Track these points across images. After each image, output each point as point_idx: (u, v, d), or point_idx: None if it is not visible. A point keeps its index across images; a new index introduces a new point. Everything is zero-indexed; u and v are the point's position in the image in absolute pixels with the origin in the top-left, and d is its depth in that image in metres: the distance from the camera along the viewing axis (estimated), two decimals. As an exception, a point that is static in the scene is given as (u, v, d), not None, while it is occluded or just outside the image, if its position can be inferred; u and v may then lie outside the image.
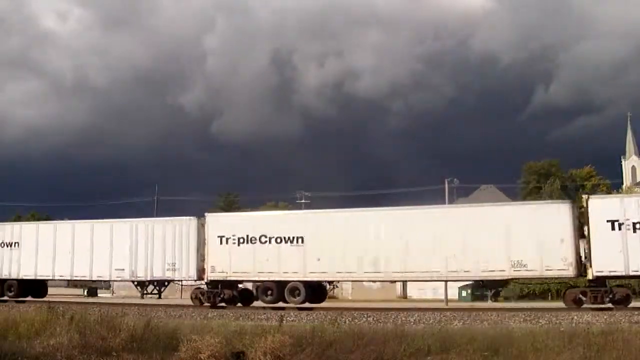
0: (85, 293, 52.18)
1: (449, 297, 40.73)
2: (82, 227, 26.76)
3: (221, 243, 23.76)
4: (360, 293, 47.88)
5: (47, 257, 26.56)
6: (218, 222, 24.49)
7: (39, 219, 62.42)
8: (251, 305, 24.14)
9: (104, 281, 33.09)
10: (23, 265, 26.95)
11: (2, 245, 27.52)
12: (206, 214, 24.94)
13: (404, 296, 51.10)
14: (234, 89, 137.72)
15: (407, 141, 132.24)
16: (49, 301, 24.00)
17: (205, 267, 23.96)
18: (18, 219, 67.57)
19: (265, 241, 23.05)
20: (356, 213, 23.60)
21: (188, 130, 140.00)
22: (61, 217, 45.95)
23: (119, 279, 26.92)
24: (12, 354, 10.99)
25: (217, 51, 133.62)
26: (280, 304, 22.96)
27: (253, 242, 23.25)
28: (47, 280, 28.18)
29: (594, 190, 65.04)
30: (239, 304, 23.80)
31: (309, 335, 11.84)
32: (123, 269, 25.26)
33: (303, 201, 59.76)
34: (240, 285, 24.53)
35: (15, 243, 27.35)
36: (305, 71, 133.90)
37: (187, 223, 24.63)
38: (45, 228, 27.93)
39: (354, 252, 21.93)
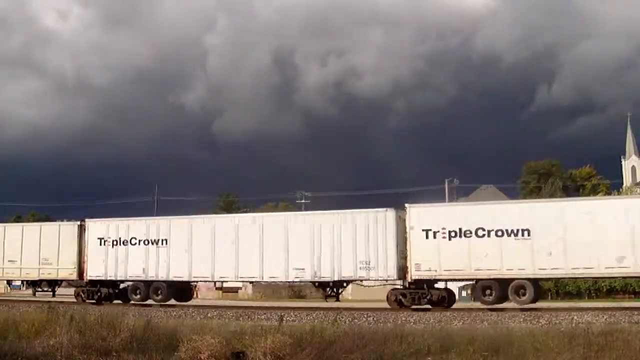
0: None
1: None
2: (246, 221, 24.63)
3: (427, 237, 21.43)
4: (360, 293, 47.78)
5: (202, 256, 23.88)
6: (422, 214, 22.02)
7: (39, 219, 62.21)
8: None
9: (280, 282, 28.96)
10: (173, 265, 24.28)
11: (149, 242, 24.76)
12: (407, 204, 22.48)
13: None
14: (235, 88, 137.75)
15: (408, 141, 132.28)
16: (49, 301, 24.01)
17: (408, 265, 21.59)
18: (18, 219, 67.57)
19: (483, 235, 20.82)
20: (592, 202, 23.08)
21: (189, 130, 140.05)
22: (61, 218, 45.84)
23: (298, 280, 23.82)
24: (12, 354, 10.99)
25: (218, 50, 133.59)
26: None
27: (468, 235, 20.98)
28: (203, 282, 26.64)
29: (594, 190, 65.05)
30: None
31: (309, 335, 11.85)
32: (303, 269, 22.43)
33: (303, 201, 59.76)
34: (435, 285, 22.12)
35: (162, 240, 24.56)
36: (307, 70, 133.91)
37: (384, 215, 22.12)
38: (199, 222, 24.93)
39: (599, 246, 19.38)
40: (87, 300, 25.36)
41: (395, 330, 12.95)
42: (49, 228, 27.66)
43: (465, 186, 59.11)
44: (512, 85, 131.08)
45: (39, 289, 27.59)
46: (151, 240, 24.70)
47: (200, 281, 26.06)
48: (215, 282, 28.56)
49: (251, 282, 29.69)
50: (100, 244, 25.35)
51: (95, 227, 25.91)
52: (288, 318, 17.48)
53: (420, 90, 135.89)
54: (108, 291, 25.41)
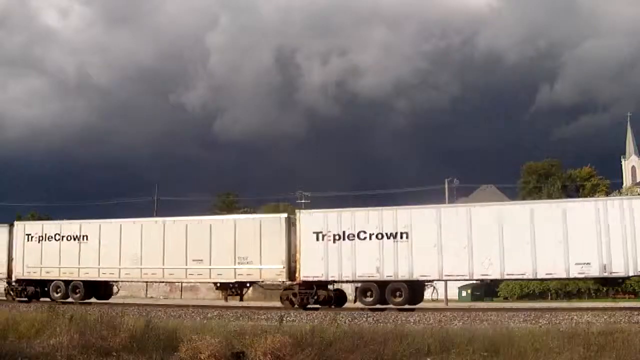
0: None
1: (448, 297, 40.71)
2: (483, 211, 21.14)
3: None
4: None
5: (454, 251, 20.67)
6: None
7: (39, 220, 62.16)
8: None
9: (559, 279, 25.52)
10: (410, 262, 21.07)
11: (385, 236, 21.34)
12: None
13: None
14: (236, 87, 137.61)
15: (409, 140, 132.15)
16: (49, 301, 24.05)
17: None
18: (18, 219, 67.48)
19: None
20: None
21: (190, 129, 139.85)
22: (62, 218, 45.80)
23: (582, 275, 20.47)
24: (13, 354, 11.00)
25: (220, 49, 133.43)
26: None
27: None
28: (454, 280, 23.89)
29: (594, 191, 65.03)
30: None
31: (309, 335, 11.85)
32: (589, 263, 19.37)
33: (303, 201, 59.71)
34: None
35: (402, 234, 21.14)
36: (309, 69, 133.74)
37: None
38: (429, 213, 21.48)
39: None
40: (296, 306, 22.29)
41: (395, 330, 12.97)
42: (246, 222, 24.47)
43: (465, 186, 59.08)
44: (514, 85, 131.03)
45: (231, 293, 24.31)
46: (387, 233, 21.21)
47: (453, 280, 23.20)
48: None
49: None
50: (318, 239, 21.99)
51: (310, 219, 22.69)
52: (288, 318, 17.48)
53: (422, 90, 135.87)
54: (327, 294, 22.19)
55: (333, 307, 21.99)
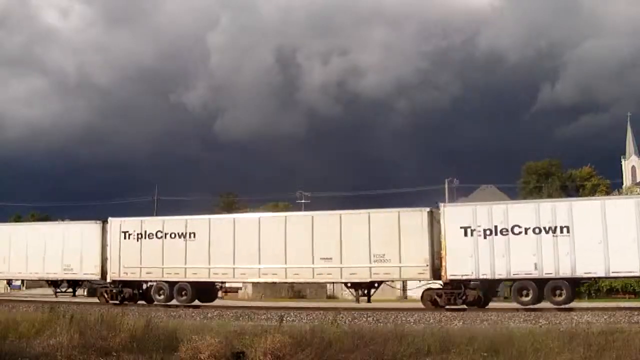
0: (85, 293, 51.98)
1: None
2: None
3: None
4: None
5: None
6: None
7: (39, 220, 62.18)
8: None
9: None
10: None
11: (543, 230, 19.69)
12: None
13: (404, 296, 50.97)
14: (237, 87, 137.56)
15: (410, 140, 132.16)
16: (50, 301, 24.02)
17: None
18: (18, 219, 67.55)
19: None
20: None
21: (190, 129, 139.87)
22: (62, 217, 45.86)
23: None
24: (13, 354, 11.01)
25: (221, 49, 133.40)
26: None
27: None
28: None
29: (594, 191, 64.99)
30: None
31: (309, 335, 11.86)
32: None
33: (303, 201, 59.71)
34: None
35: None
36: (309, 69, 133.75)
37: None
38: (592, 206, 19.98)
39: None
40: (447, 306, 20.53)
41: (395, 330, 12.96)
42: (383, 216, 22.01)
43: (465, 186, 59.14)
44: (515, 85, 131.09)
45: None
46: (546, 227, 19.59)
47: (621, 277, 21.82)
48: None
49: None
50: (466, 235, 20.41)
51: (456, 213, 21.05)
52: (288, 318, 17.49)
53: (423, 89, 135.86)
54: (477, 295, 20.54)
55: (477, 307, 20.48)
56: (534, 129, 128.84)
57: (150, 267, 23.94)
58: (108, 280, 24.75)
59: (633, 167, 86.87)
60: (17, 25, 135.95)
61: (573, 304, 20.36)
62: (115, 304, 23.58)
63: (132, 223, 24.89)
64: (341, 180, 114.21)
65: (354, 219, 22.04)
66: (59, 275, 26.01)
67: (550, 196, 54.22)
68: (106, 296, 24.92)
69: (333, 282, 28.90)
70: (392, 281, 21.85)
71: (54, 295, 26.91)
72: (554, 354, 10.54)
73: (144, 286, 24.87)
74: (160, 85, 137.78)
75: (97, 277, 25.29)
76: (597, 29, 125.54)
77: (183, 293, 23.50)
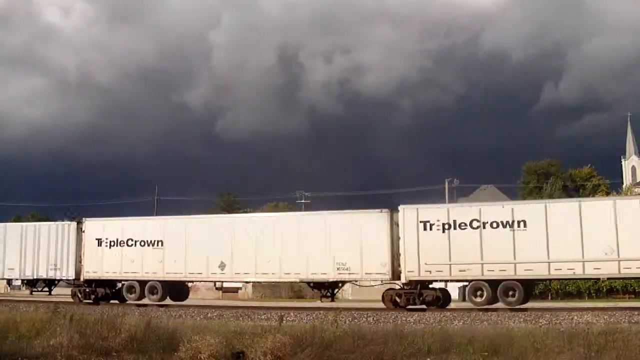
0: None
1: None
2: None
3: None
4: (360, 293, 47.78)
5: None
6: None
7: (39, 220, 62.14)
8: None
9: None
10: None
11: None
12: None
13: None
14: (239, 86, 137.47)
15: (411, 140, 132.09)
16: (50, 301, 24.03)
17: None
18: (18, 219, 67.52)
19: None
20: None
21: (192, 129, 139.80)
22: (62, 218, 45.78)
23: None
24: (13, 354, 11.01)
25: (223, 47, 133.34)
26: None
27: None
28: None
29: (594, 191, 65.03)
30: None
31: (309, 335, 11.86)
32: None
33: (303, 201, 59.74)
34: None
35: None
36: (312, 68, 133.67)
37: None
38: None
39: None
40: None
41: (395, 330, 12.96)
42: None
43: (465, 186, 59.17)
44: (518, 84, 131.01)
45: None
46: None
47: None
48: None
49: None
50: None
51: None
52: (288, 318, 17.49)
53: (426, 88, 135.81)
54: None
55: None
56: (539, 128, 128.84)
57: (466, 264, 20.27)
58: (403, 279, 21.06)
59: (633, 167, 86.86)
60: (18, 23, 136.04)
61: (573, 304, 20.34)
62: (412, 309, 20.67)
63: (433, 212, 21.21)
64: (343, 180, 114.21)
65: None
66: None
67: (551, 196, 54.22)
68: (400, 300, 21.29)
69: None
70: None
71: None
72: (554, 354, 10.55)
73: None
74: (162, 84, 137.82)
75: (386, 276, 21.45)
76: (601, 28, 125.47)
77: (511, 293, 19.99)
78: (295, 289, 45.14)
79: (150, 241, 24.61)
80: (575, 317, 17.18)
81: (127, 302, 24.51)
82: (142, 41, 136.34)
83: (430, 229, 20.63)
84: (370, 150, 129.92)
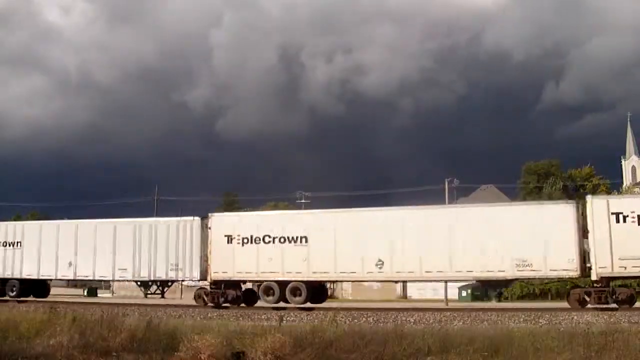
0: (85, 293, 52.06)
1: (448, 297, 40.73)
2: None
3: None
4: (360, 293, 47.86)
5: None
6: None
7: (39, 220, 61.97)
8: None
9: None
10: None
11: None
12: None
13: (404, 296, 51.09)
14: (239, 85, 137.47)
15: (412, 140, 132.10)
16: (50, 301, 24.03)
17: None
18: (18, 219, 67.50)
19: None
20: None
21: (192, 128, 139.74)
22: (61, 217, 45.75)
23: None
24: (13, 354, 11.00)
25: (224, 47, 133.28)
26: None
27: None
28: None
29: (594, 191, 64.98)
30: None
31: (309, 335, 11.85)
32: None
33: (303, 201, 59.71)
34: None
35: None
36: (313, 68, 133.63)
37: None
38: None
39: None
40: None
41: (395, 330, 12.95)
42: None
43: (465, 186, 59.13)
44: (519, 84, 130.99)
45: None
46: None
47: None
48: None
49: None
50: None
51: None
52: (288, 318, 17.49)
53: (427, 88, 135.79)
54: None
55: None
56: (536, 128, 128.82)
57: None
58: (599, 277, 19.69)
59: (633, 167, 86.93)
60: (18, 23, 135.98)
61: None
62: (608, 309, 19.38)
63: (627, 202, 20.52)
64: (344, 180, 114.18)
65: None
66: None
67: (550, 196, 54.17)
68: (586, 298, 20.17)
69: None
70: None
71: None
72: (554, 354, 10.54)
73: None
74: (162, 84, 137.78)
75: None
76: (602, 27, 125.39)
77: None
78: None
79: (292, 237, 22.68)
80: (575, 317, 17.22)
81: (262, 305, 22.92)
82: (143, 41, 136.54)
83: (624, 220, 19.43)
84: (371, 150, 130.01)
